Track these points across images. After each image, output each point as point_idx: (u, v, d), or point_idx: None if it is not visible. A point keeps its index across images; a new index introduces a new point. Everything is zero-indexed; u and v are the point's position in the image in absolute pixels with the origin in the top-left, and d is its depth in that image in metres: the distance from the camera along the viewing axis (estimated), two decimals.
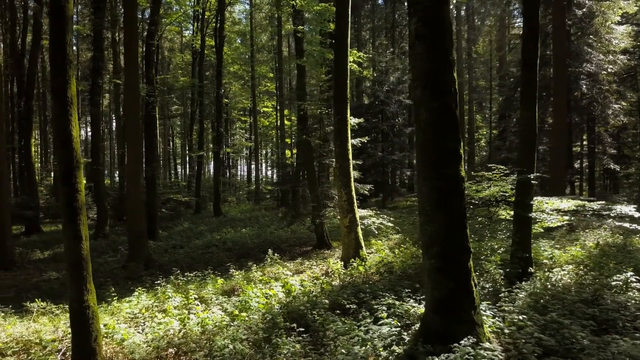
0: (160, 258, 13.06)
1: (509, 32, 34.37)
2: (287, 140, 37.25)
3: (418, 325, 5.55)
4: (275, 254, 10.62)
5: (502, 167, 8.62)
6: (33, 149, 23.69)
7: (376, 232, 12.32)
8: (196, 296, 7.22)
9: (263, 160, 53.41)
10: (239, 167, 69.23)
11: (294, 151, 43.23)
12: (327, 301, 6.50)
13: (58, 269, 12.88)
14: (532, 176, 7.90)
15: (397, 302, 6.24)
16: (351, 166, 10.43)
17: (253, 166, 54.25)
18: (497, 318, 5.27)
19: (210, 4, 29.60)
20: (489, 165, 9.58)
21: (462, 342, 4.38)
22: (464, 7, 38.21)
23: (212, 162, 39.95)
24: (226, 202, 36.29)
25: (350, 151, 10.44)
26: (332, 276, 9.05)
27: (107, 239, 18.41)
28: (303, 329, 5.78)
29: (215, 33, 28.87)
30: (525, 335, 4.75)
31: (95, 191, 19.76)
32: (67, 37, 5.02)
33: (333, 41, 14.77)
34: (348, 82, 10.60)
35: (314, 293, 7.28)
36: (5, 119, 13.75)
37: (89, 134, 47.30)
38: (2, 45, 30.42)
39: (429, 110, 4.90)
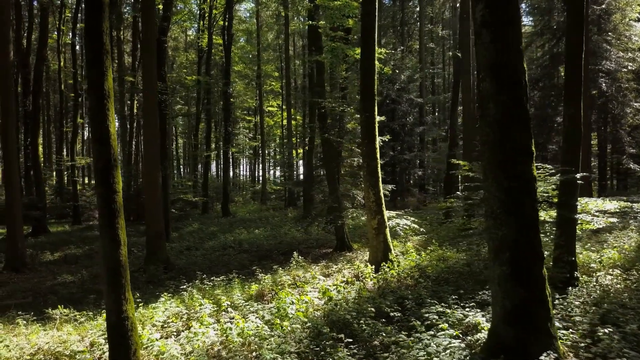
0: (177, 260, 12.66)
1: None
2: (293, 139, 36.97)
3: (478, 335, 5.18)
4: (300, 257, 10.21)
5: (547, 166, 8.23)
6: (40, 148, 23.27)
7: (401, 234, 11.93)
8: (229, 303, 6.83)
9: (268, 160, 52.97)
10: (241, 166, 68.93)
11: (300, 151, 42.81)
12: (373, 309, 6.10)
13: (71, 271, 12.49)
14: (578, 176, 7.52)
15: (447, 310, 5.85)
16: (379, 165, 10.04)
17: (257, 166, 54.01)
18: (570, 330, 4.88)
19: (217, 2, 29.17)
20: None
21: (542, 358, 4.00)
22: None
23: (214, 162, 39.65)
24: (233, 202, 35.86)
25: (378, 150, 10.06)
26: (364, 281, 8.67)
27: None
28: (351, 340, 5.40)
29: (224, 31, 28.49)
30: (605, 349, 4.37)
31: None
32: (103, 25, 4.63)
33: (347, 38, 14.41)
34: (375, 78, 10.22)
35: (351, 299, 6.90)
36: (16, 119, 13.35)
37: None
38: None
39: (497, 104, 4.51)
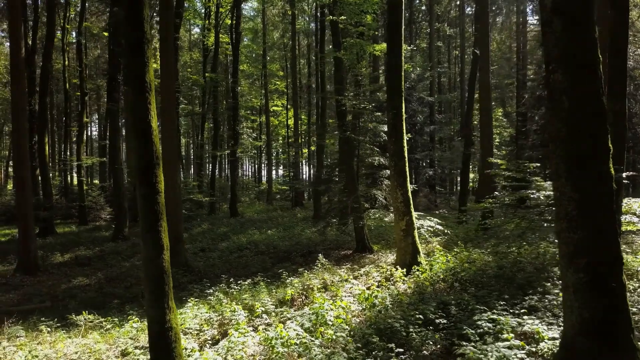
0: (195, 262, 12.32)
1: (525, 29, 33.62)
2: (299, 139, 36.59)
3: (541, 345, 4.85)
4: (325, 259, 9.87)
5: None
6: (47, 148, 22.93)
7: (427, 236, 11.58)
8: (263, 309, 6.49)
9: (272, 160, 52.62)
10: (244, 166, 68.55)
11: (304, 150, 42.46)
12: (420, 316, 5.76)
13: (85, 274, 12.16)
14: (624, 175, 7.19)
15: (501, 318, 5.51)
16: (407, 164, 9.70)
17: (261, 166, 53.64)
18: None
19: (224, 0, 28.81)
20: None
21: None
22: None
23: (214, 162, 39.29)
24: (239, 203, 35.57)
25: (405, 148, 9.71)
26: (396, 284, 8.32)
27: (128, 240, 17.69)
28: (402, 350, 5.07)
29: (231, 29, 28.15)
30: None
31: (114, 191, 19.03)
32: (144, 12, 4.29)
33: (361, 34, 14.04)
34: (403, 74, 9.88)
35: (390, 305, 6.56)
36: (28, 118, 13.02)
37: (93, 133, 46.93)
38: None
39: (571, 97, 4.17)
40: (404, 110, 9.82)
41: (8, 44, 45.04)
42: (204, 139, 37.28)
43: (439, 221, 12.21)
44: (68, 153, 36.31)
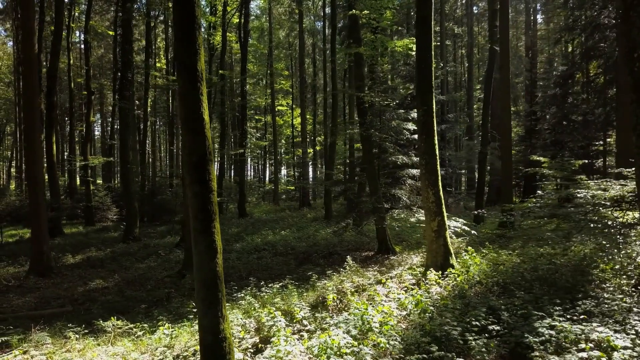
0: None
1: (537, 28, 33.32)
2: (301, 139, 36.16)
3: (615, 355, 4.50)
4: (352, 261, 9.52)
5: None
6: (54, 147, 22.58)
7: (454, 237, 11.24)
8: (302, 314, 6.14)
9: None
10: (247, 166, 68.17)
11: (310, 150, 42.06)
12: (477, 323, 5.42)
13: (101, 276, 11.81)
14: None
15: (565, 325, 5.17)
16: (438, 163, 9.36)
17: (266, 166, 53.28)
18: None
19: None
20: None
21: None
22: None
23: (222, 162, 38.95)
24: (246, 203, 35.24)
25: (437, 146, 9.37)
26: (432, 288, 7.98)
27: (139, 241, 17.34)
28: None
29: (239, 27, 27.82)
30: None
31: (124, 191, 18.68)
32: None
33: (384, 29, 13.62)
34: (433, 69, 9.54)
35: (435, 310, 6.22)
36: (40, 117, 12.66)
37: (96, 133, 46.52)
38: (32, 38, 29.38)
39: None
40: (434, 106, 9.49)
41: (10, 43, 44.48)
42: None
43: (464, 221, 11.88)
44: (76, 153, 35.99)
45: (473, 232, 11.55)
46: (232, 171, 43.31)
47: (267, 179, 53.08)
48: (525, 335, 5.12)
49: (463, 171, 33.79)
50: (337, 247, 13.88)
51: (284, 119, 48.89)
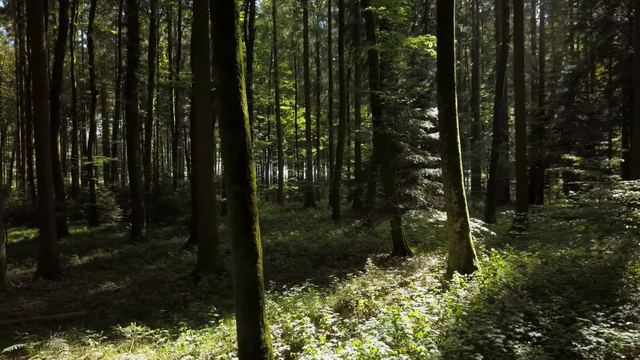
0: (229, 266, 11.68)
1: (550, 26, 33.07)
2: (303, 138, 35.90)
3: None
4: (372, 263, 9.26)
5: None
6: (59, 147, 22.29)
7: (475, 239, 10.96)
8: (332, 321, 5.88)
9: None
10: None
11: (314, 150, 41.78)
12: (521, 329, 5.16)
13: (110, 277, 11.55)
14: None
15: (613, 332, 4.91)
16: (461, 162, 9.11)
17: (269, 166, 53.01)
18: None
19: None
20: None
21: None
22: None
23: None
24: None
25: (459, 145, 9.12)
26: (457, 291, 7.72)
27: (147, 242, 17.08)
28: None
29: (245, 25, 27.54)
30: None
31: (131, 191, 18.42)
32: None
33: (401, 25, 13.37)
34: (455, 66, 9.29)
35: (467, 315, 5.97)
36: (46, 116, 12.36)
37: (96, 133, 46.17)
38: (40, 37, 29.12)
39: None
40: (457, 104, 9.24)
41: (12, 42, 44.26)
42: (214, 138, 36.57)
43: (482, 222, 11.63)
44: (70, 152, 35.74)
45: (492, 233, 11.29)
46: None
47: (269, 179, 52.83)
48: (573, 343, 4.86)
49: (468, 171, 33.51)
50: (350, 248, 13.62)
51: (287, 119, 48.66)
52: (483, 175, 39.48)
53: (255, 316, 3.64)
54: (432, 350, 4.86)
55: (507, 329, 5.30)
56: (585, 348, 4.70)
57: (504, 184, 28.38)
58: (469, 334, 5.06)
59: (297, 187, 38.70)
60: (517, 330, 5.19)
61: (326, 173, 48.92)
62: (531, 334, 5.38)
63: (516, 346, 4.81)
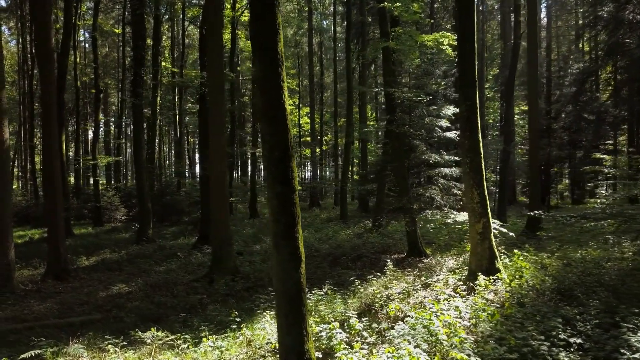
0: (243, 268, 11.43)
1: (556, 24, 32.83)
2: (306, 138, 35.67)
3: None
4: (392, 265, 9.04)
5: None
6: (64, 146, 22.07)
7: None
8: (361, 326, 5.65)
9: None
10: (248, 167, 67.65)
11: (317, 150, 41.74)
12: (564, 335, 4.94)
13: (121, 279, 11.32)
14: None
15: None
16: (483, 161, 8.88)
17: None
18: None
19: None
20: None
21: None
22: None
23: (233, 162, 38.46)
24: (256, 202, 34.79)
25: (481, 143, 8.89)
26: (482, 293, 7.49)
27: (154, 243, 16.85)
28: None
29: (248, 25, 27.27)
30: None
31: (138, 191, 18.19)
32: None
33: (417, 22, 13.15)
34: (476, 62, 9.05)
35: (497, 318, 5.75)
36: (57, 115, 12.17)
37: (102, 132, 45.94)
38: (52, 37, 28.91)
39: None
40: (478, 101, 9.01)
41: (14, 42, 44.04)
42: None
43: (500, 222, 11.40)
44: (72, 152, 35.48)
45: (511, 234, 11.07)
46: (239, 171, 42.81)
47: None
48: (621, 350, 4.64)
49: None
50: (363, 249, 13.39)
51: (290, 118, 48.48)
52: (488, 174, 39.23)
53: (299, 325, 3.42)
54: (472, 359, 4.64)
55: (547, 335, 5.08)
56: (636, 356, 4.47)
57: (511, 183, 28.16)
58: (510, 341, 4.83)
59: (300, 187, 38.50)
60: (561, 336, 4.95)
61: (329, 173, 48.72)
62: (571, 340, 5.17)
63: (562, 354, 4.57)
